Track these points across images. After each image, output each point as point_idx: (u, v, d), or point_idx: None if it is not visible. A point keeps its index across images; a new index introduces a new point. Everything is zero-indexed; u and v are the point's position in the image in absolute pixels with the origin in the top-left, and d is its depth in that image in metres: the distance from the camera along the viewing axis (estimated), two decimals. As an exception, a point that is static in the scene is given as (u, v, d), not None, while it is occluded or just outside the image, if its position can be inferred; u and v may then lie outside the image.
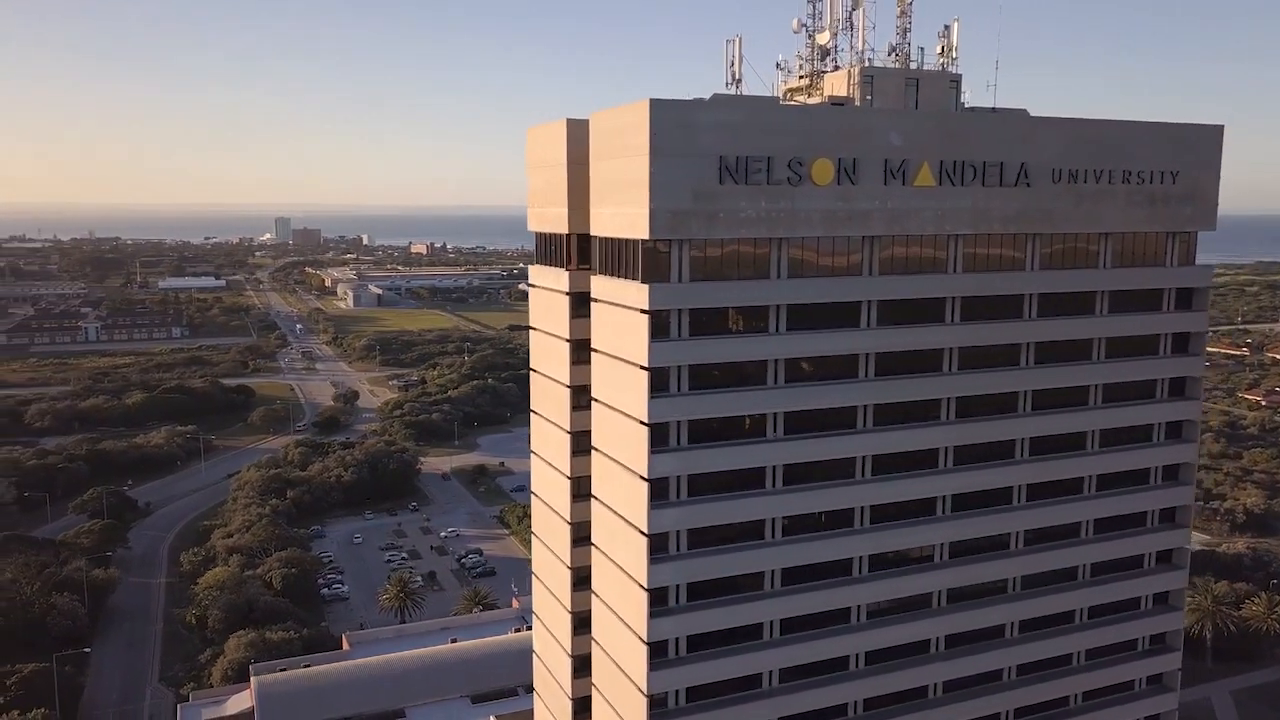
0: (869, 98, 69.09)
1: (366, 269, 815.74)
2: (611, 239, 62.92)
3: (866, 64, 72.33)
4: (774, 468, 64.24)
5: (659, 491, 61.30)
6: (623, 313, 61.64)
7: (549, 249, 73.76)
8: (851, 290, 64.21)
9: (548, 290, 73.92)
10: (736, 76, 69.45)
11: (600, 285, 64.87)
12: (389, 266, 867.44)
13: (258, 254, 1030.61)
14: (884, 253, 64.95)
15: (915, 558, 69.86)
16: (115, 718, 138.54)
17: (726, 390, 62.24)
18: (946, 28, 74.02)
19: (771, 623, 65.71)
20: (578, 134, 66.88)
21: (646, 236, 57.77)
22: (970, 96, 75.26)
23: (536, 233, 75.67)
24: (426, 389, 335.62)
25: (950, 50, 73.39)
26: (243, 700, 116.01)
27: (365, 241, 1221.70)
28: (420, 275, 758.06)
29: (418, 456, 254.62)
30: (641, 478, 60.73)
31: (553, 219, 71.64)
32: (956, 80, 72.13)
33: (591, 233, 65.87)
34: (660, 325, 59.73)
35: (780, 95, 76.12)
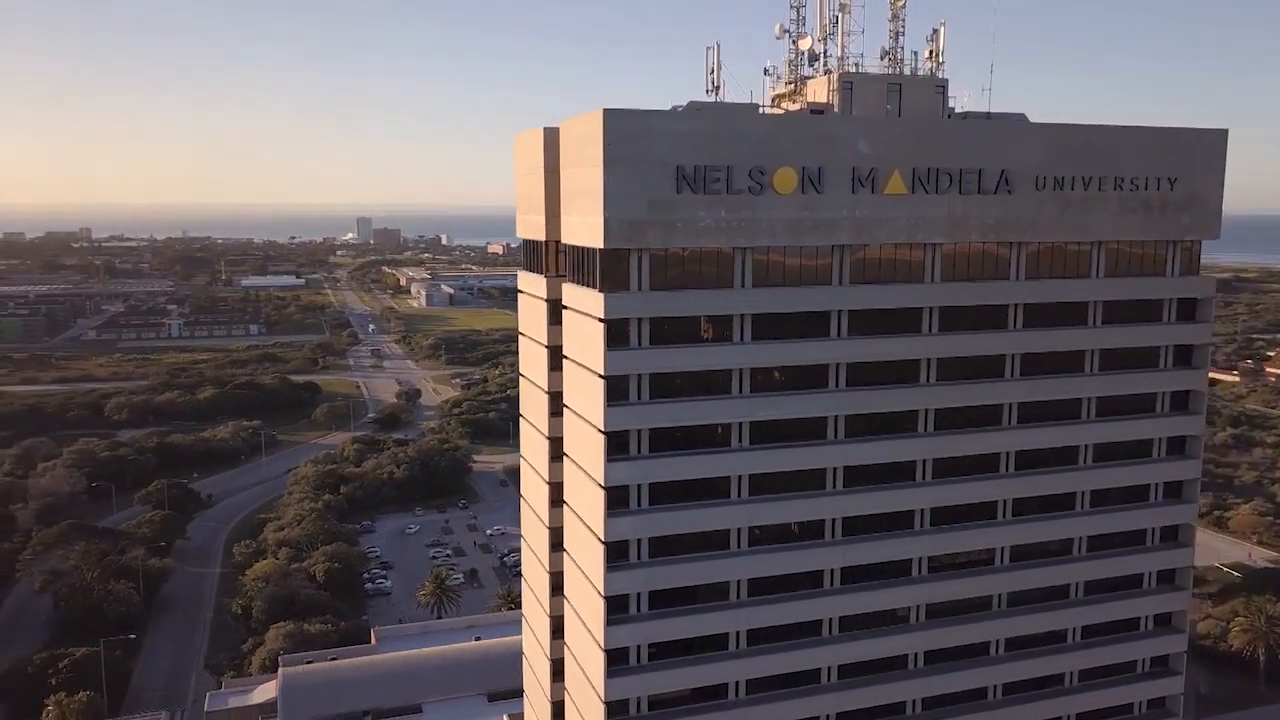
0: (848, 104, 68.16)
1: (441, 268, 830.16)
2: (577, 247, 63.37)
3: (856, 68, 71.55)
4: (739, 477, 63.93)
5: (616, 499, 61.50)
6: (585, 320, 62.03)
7: (531, 255, 74.55)
8: (820, 300, 63.50)
9: (530, 296, 74.74)
10: (715, 84, 69.20)
11: (569, 293, 65.36)
12: (464, 266, 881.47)
13: (339, 253, 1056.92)
14: (856, 261, 64.09)
15: (892, 572, 68.67)
16: (159, 702, 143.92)
17: (688, 399, 62.16)
18: (935, 31, 72.68)
19: (738, 633, 65.37)
20: (553, 142, 67.46)
21: (602, 245, 58.07)
22: (968, 101, 73.98)
23: (523, 239, 76.51)
24: (487, 387, 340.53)
25: (938, 54, 72.03)
26: (269, 690, 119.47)
27: (444, 241, 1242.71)
28: (493, 275, 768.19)
29: (470, 455, 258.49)
30: (599, 485, 61.04)
31: (533, 226, 72.40)
32: (943, 85, 70.73)
33: (562, 240, 66.40)
34: (618, 334, 59.92)
35: (769, 101, 75.57)
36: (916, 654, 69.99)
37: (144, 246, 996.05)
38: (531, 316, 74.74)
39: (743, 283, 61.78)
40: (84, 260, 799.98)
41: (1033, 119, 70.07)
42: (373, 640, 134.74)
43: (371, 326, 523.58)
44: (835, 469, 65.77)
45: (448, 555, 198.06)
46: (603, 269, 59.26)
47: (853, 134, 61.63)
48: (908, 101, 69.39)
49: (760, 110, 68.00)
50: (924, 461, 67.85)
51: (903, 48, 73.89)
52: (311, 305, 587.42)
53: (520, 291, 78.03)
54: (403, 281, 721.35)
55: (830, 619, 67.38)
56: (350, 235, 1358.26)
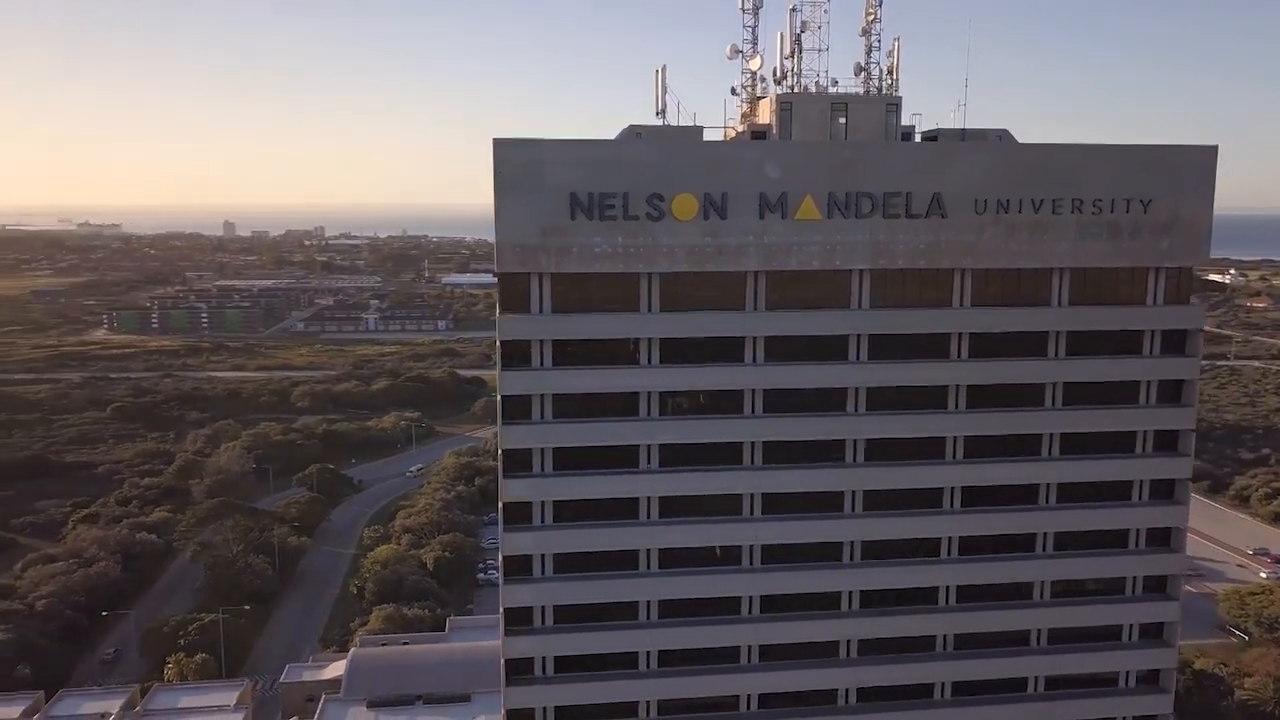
0: (787, 126, 67.01)
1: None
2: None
3: (817, 86, 70.27)
4: (648, 499, 64.44)
5: (517, 514, 63.59)
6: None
7: (496, 273, 77.49)
8: (730, 325, 63.04)
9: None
10: (661, 107, 69.63)
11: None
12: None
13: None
14: (774, 286, 63.07)
15: (818, 603, 67.08)
16: (273, 670, 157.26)
17: (591, 420, 63.28)
18: (895, 43, 70.10)
19: (648, 653, 65.88)
20: (498, 165, 70.04)
21: (497, 268, 60.36)
22: (953, 118, 71.08)
23: (497, 257, 79.50)
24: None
25: (895, 71, 69.47)
26: (339, 668, 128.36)
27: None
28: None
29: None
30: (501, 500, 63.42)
31: (496, 245, 75.28)
32: (895, 103, 68.14)
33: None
34: (516, 354, 61.97)
35: (738, 120, 75.12)
36: (847, 689, 68.02)
37: (365, 244, 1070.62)
38: (497, 332, 77.71)
39: (649, 306, 62.28)
40: (309, 257, 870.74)
41: (1034, 133, 66.71)
42: (446, 629, 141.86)
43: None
44: (751, 495, 65.07)
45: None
46: (502, 291, 61.52)
47: (759, 159, 60.87)
48: (855, 121, 67.40)
49: (705, 133, 67.79)
50: (852, 493, 65.86)
51: (876, 63, 71.82)
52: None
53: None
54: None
55: (749, 646, 66.67)
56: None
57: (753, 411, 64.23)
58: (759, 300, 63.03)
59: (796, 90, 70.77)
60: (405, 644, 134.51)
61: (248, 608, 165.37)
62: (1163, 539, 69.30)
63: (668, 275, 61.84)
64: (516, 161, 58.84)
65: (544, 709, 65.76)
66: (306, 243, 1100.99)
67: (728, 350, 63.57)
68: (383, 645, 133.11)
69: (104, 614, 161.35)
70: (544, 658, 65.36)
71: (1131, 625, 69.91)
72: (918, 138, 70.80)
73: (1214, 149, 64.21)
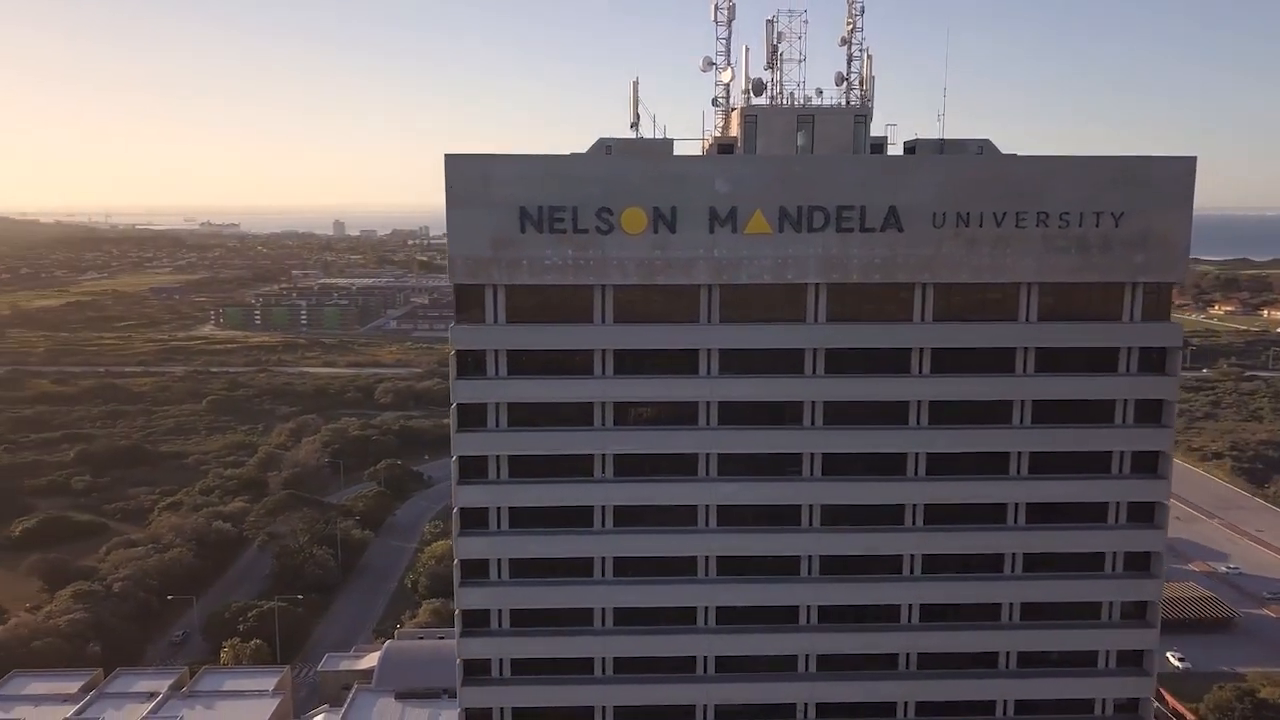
0: (752, 139, 67.01)
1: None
2: (456, 280, 67.66)
3: (790, 99, 70.12)
4: (602, 508, 65.30)
5: (473, 520, 65.28)
6: (459, 349, 66.29)
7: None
8: (684, 337, 63.39)
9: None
10: (633, 119, 70.47)
11: (464, 322, 69.75)
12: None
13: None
14: (729, 300, 63.21)
15: (775, 616, 66.88)
16: (325, 659, 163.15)
17: (545, 429, 64.51)
18: (865, 54, 69.30)
19: (603, 660, 66.78)
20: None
21: (449, 280, 62.19)
22: (943, 127, 70.30)
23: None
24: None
25: (864, 83, 68.67)
26: (374, 659, 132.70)
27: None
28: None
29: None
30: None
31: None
32: (864, 115, 67.40)
33: (466, 273, 70.82)
34: (470, 363, 63.66)
35: (717, 133, 75.34)
36: (807, 704, 67.64)
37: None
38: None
39: (603, 318, 63.16)
40: (409, 256, 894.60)
41: (1033, 137, 65.41)
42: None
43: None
44: (706, 507, 65.29)
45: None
46: (457, 301, 63.30)
47: (708, 173, 61.05)
48: (822, 133, 66.94)
49: (677, 146, 68.18)
50: (810, 507, 65.47)
51: (857, 73, 71.19)
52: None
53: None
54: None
55: (706, 657, 66.92)
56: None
57: (707, 423, 64.47)
58: (712, 313, 63.24)
59: (776, 101, 70.70)
60: (441, 638, 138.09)
61: (301, 597, 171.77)
62: (1141, 563, 66.81)
63: (622, 287, 62.60)
64: (467, 176, 60.42)
65: (501, 710, 67.31)
66: (409, 242, 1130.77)
67: (682, 362, 63.96)
68: (419, 638, 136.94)
69: (169, 597, 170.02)
70: (501, 660, 66.90)
71: (1108, 651, 67.55)
72: (898, 148, 70.02)
73: (1192, 160, 61.64)
